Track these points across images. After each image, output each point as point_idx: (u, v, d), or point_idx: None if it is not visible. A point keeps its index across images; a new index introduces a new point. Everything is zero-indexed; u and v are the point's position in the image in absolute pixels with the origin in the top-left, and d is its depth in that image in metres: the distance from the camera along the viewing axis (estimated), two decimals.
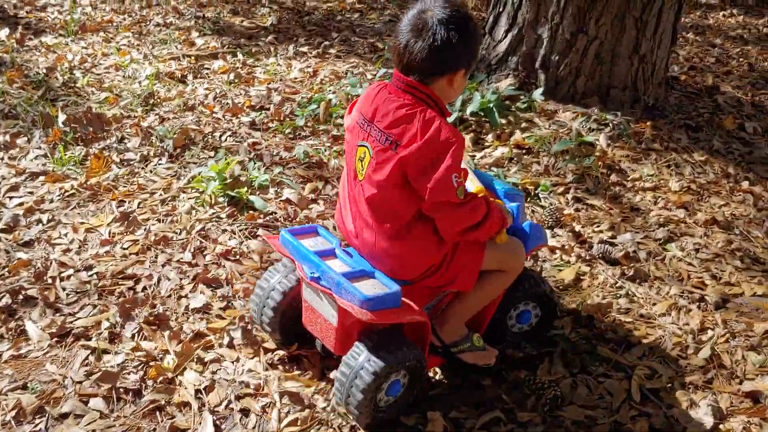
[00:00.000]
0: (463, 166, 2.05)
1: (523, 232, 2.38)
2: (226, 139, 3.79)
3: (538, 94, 4.12)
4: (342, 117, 4.00)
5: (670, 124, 4.18)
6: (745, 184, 3.71)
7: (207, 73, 4.69)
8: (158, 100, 4.24)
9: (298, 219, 3.12)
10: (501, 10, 4.34)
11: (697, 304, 2.83)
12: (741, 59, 5.64)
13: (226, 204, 3.16)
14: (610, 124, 3.98)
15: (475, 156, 3.75)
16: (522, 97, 4.14)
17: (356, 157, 2.10)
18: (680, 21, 4.28)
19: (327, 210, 3.22)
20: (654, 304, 2.81)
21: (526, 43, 4.20)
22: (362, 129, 2.08)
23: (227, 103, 4.20)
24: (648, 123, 4.08)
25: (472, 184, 2.24)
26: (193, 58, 4.91)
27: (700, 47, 5.85)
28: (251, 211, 3.12)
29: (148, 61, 4.83)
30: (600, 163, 3.70)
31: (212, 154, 3.62)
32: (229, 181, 3.22)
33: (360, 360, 2.04)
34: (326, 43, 5.31)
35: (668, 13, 4.09)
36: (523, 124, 3.99)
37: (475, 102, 3.96)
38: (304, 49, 5.18)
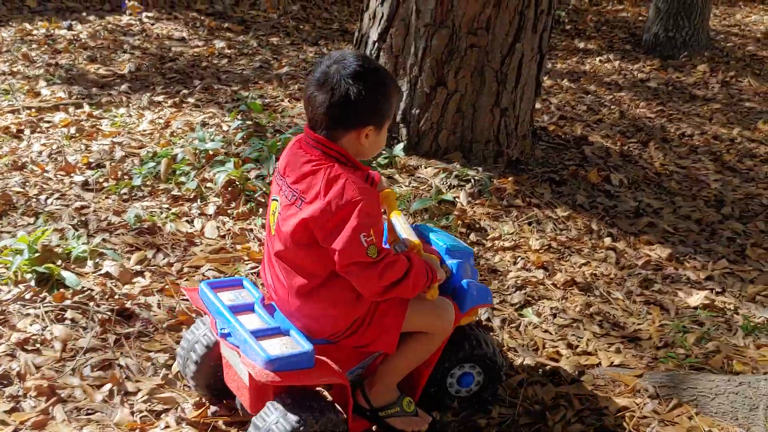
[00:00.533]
0: (397, 219, 2.07)
1: (461, 290, 2.26)
2: (51, 203, 3.42)
3: (399, 149, 3.93)
4: (186, 174, 3.69)
5: (534, 178, 4.06)
6: (608, 240, 3.60)
7: (46, 127, 4.30)
8: None
9: (115, 296, 2.78)
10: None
11: (550, 378, 2.64)
12: (613, 106, 5.64)
13: (33, 281, 2.79)
14: (472, 180, 3.82)
15: None
16: (383, 152, 3.94)
17: (270, 211, 2.08)
18: (542, 72, 4.20)
19: (154, 283, 2.90)
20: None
21: None
22: (277, 183, 2.06)
23: (61, 161, 3.82)
24: (510, 178, 3.94)
25: (409, 239, 2.15)
26: (34, 110, 4.51)
27: (573, 94, 5.84)
28: (62, 290, 2.76)
29: None
30: (459, 221, 3.51)
31: (32, 220, 3.25)
32: (39, 254, 2.85)
33: (269, 421, 1.94)
34: (185, 91, 5.01)
35: (529, 66, 4.00)
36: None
37: None
38: (160, 98, 4.86)
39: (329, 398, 2.23)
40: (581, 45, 7.56)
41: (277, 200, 2.04)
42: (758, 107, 6.09)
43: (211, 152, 3.87)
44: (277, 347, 1.98)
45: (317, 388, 2.19)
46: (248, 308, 2.15)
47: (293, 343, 2.01)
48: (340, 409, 2.11)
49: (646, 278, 3.34)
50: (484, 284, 2.49)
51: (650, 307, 3.14)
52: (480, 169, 3.91)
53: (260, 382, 1.93)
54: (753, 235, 3.85)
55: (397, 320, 2.10)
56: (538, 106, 5.04)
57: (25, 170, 3.74)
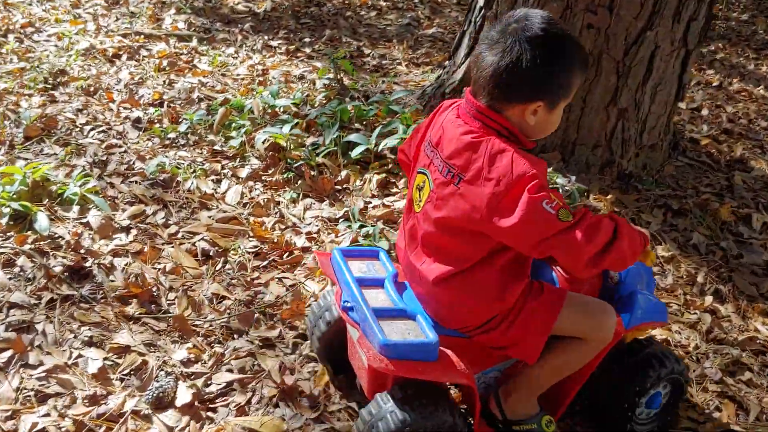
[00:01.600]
0: None
1: (629, 301, 1.96)
2: (91, 135, 3.25)
3: None
4: (242, 128, 3.35)
5: (645, 201, 3.26)
6: (710, 299, 2.77)
7: (143, 56, 4.16)
8: (67, 79, 3.75)
9: (81, 251, 2.52)
10: (465, 29, 3.55)
11: None
12: None
13: (6, 217, 2.61)
14: (559, 190, 3.12)
15: (371, 202, 3.02)
16: None
17: (414, 185, 1.82)
18: (688, 71, 3.33)
19: (134, 242, 2.61)
20: None
21: None
22: (426, 155, 1.79)
23: (135, 93, 3.65)
24: (611, 195, 3.19)
25: None
26: (143, 36, 4.40)
27: (747, 102, 4.74)
28: (29, 232, 2.55)
29: (91, 34, 4.37)
30: None
31: (60, 150, 3.09)
32: (27, 189, 2.66)
33: (382, 410, 1.74)
34: (308, 39, 4.67)
35: (667, 61, 3.17)
36: None
37: (395, 138, 3.22)
38: (276, 42, 4.56)
39: (455, 398, 1.98)
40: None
41: (426, 174, 1.77)
42: None
43: (279, 109, 3.50)
44: (398, 332, 1.76)
45: (446, 385, 1.91)
46: (378, 283, 1.93)
47: (418, 330, 1.78)
48: (464, 412, 1.88)
49: (738, 361, 2.52)
50: (660, 299, 2.11)
51: (724, 402, 2.35)
52: (574, 177, 3.19)
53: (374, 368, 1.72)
54: None
55: (547, 323, 1.78)
56: (686, 111, 4.14)
57: (93, 96, 3.61)
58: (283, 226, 2.81)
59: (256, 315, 2.36)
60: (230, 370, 2.15)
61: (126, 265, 2.50)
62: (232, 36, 4.61)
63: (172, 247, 2.63)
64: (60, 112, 3.37)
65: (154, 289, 2.41)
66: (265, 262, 2.61)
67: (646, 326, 2.00)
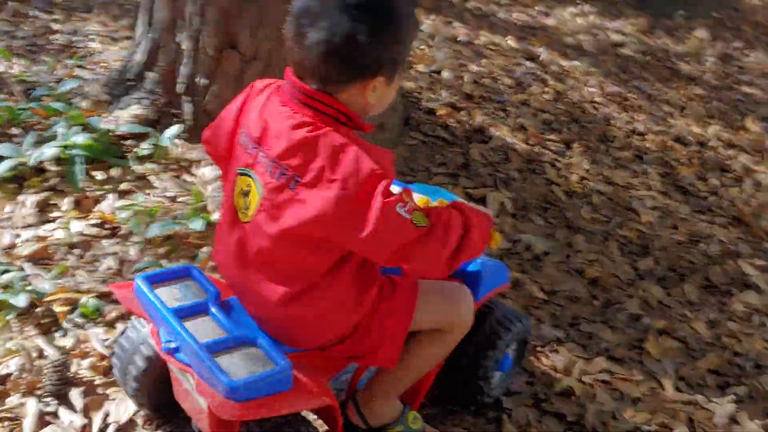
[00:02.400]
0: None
1: (472, 274, 1.82)
2: None
3: (169, 135, 2.72)
4: None
5: None
6: None
7: None
8: None
9: None
10: None
11: None
12: (554, 81, 4.28)
13: None
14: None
15: (20, 234, 2.35)
16: (153, 138, 2.73)
17: (236, 190, 1.51)
18: None
19: None
20: None
21: (163, 52, 2.78)
22: (247, 152, 1.48)
23: None
24: None
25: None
26: None
27: (508, 59, 4.47)
28: None
29: None
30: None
31: None
32: None
33: None
34: None
35: None
36: (127, 185, 2.59)
37: (53, 145, 2.55)
38: None
39: (312, 418, 1.74)
40: None
41: (250, 176, 1.48)
42: (758, 94, 4.71)
43: None
44: (242, 366, 1.49)
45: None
46: (200, 309, 1.61)
47: (263, 358, 1.52)
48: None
49: None
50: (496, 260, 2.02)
51: None
52: None
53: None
54: (668, 312, 2.63)
55: (403, 324, 1.62)
56: (424, 76, 3.77)
57: None
58: None
59: None
60: None
61: None
62: None
63: None
64: None
65: None
66: None
67: (491, 295, 1.90)
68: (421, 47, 4.24)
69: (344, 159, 1.37)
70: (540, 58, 4.48)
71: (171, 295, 1.63)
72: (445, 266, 1.51)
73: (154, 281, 1.64)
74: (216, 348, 1.50)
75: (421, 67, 3.91)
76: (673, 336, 2.52)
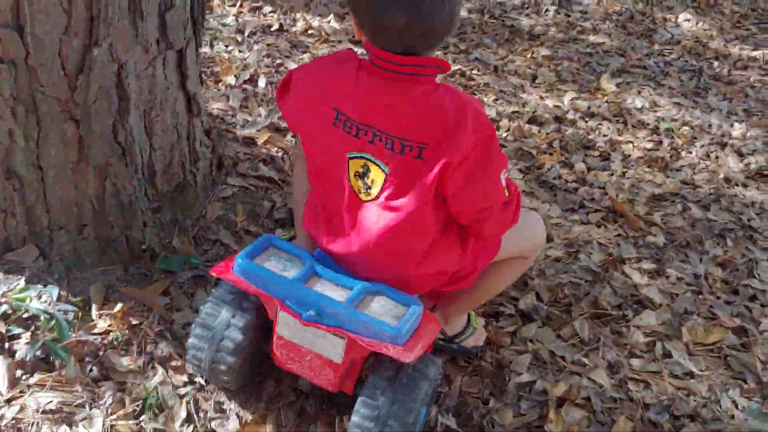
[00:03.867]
0: None
1: None
2: None
3: None
4: None
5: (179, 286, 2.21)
6: None
7: None
8: None
9: None
10: None
11: None
12: None
13: None
14: (40, 317, 1.94)
15: None
16: None
17: (350, 172, 1.57)
18: (192, 76, 2.24)
19: None
20: None
21: None
22: (347, 133, 1.53)
23: None
24: (120, 305, 2.07)
25: None
26: None
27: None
28: None
29: None
30: None
31: None
32: None
33: (383, 408, 1.60)
34: None
35: (151, 76, 2.04)
36: None
37: None
38: None
39: None
40: None
41: (365, 158, 1.53)
42: (606, 42, 4.36)
43: None
44: (387, 314, 1.62)
45: None
46: (310, 274, 1.68)
47: (392, 302, 1.66)
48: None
49: None
50: None
51: None
52: (55, 290, 2.02)
53: (355, 357, 1.67)
54: (563, 365, 2.21)
55: (489, 260, 1.81)
56: (234, 93, 3.13)
57: None
58: None
59: None
60: None
61: None
62: None
63: None
64: None
65: None
66: None
67: None
68: (228, 48, 3.56)
69: (468, 115, 1.47)
70: None
71: (275, 267, 1.68)
72: (500, 234, 1.72)
73: (252, 258, 1.68)
74: (355, 303, 1.61)
75: (230, 79, 3.25)
76: (575, 402, 2.10)
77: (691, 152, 3.42)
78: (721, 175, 3.25)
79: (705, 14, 4.84)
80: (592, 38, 4.34)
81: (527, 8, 4.67)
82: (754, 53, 4.41)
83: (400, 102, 1.49)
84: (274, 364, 1.80)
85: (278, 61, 3.53)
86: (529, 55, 4.06)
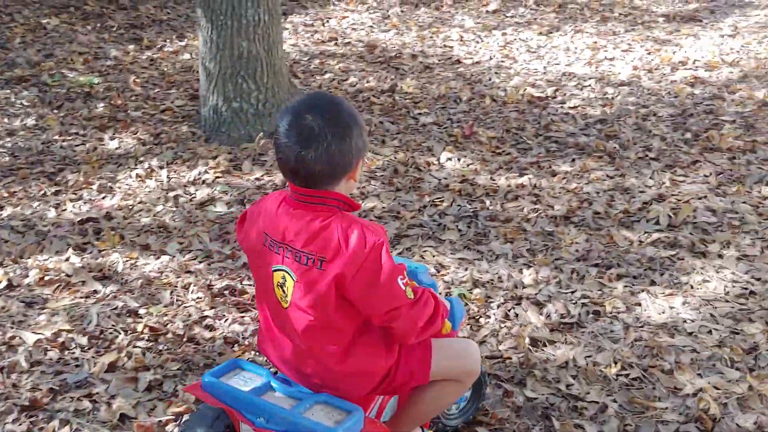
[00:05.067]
0: None
1: (450, 308, 2.32)
2: None
3: None
4: None
5: None
6: None
7: None
8: None
9: None
10: None
11: None
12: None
13: None
14: None
15: None
16: None
17: (274, 284, 1.92)
18: None
19: None
20: None
21: None
22: (272, 251, 1.91)
23: None
24: None
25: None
26: None
27: None
28: None
29: None
30: None
31: None
32: None
33: None
34: None
35: None
36: None
37: None
38: None
39: None
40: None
41: (284, 270, 1.89)
42: (378, 208, 4.15)
43: None
44: (326, 418, 1.87)
45: None
46: (266, 388, 1.98)
47: (336, 409, 1.91)
48: None
49: None
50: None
51: None
52: None
53: None
54: None
55: (426, 350, 2.06)
56: None
57: None
58: None
59: None
60: None
61: None
62: None
63: None
64: None
65: None
66: None
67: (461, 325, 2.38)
68: None
69: (351, 235, 1.80)
70: None
71: (238, 383, 1.97)
72: (418, 333, 1.94)
73: (217, 377, 1.97)
74: (301, 410, 1.87)
75: None
76: None
77: (489, 317, 3.20)
78: (527, 339, 3.05)
79: (464, 148, 4.83)
80: (363, 204, 4.12)
81: None
82: (521, 180, 4.40)
83: (304, 225, 1.83)
84: None
85: (9, 335, 2.93)
86: None
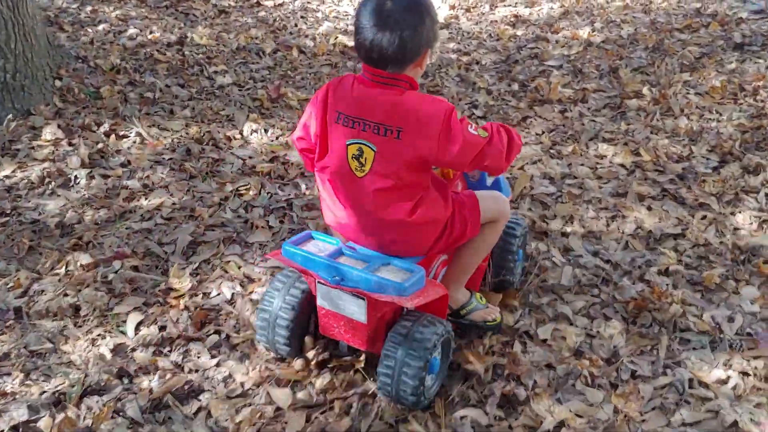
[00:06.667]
0: None
1: (496, 183, 2.65)
2: None
3: None
4: None
5: None
6: None
7: None
8: None
9: None
10: None
11: None
12: None
13: None
14: None
15: None
16: None
17: (348, 156, 2.14)
18: None
19: None
20: None
21: None
22: (347, 126, 2.12)
23: None
24: None
25: None
26: None
27: None
28: None
29: None
30: None
31: None
32: None
33: (399, 354, 2.15)
34: None
35: None
36: None
37: None
38: None
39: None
40: None
41: (360, 142, 2.10)
42: None
43: None
44: (395, 276, 2.14)
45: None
46: (338, 254, 2.25)
47: (401, 270, 2.18)
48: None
49: None
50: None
51: None
52: None
53: (377, 317, 2.21)
54: None
55: (475, 204, 2.34)
56: None
57: None
58: None
59: None
60: None
61: None
62: None
63: None
64: None
65: None
66: None
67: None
68: None
69: (424, 107, 2.06)
70: None
71: (313, 250, 2.23)
72: (506, 160, 2.19)
73: (295, 245, 2.25)
74: (371, 269, 2.15)
75: None
76: None
77: None
78: None
79: (272, 114, 4.12)
80: (146, 202, 3.33)
81: None
82: None
83: (380, 100, 2.08)
84: (320, 334, 2.37)
85: None
86: None
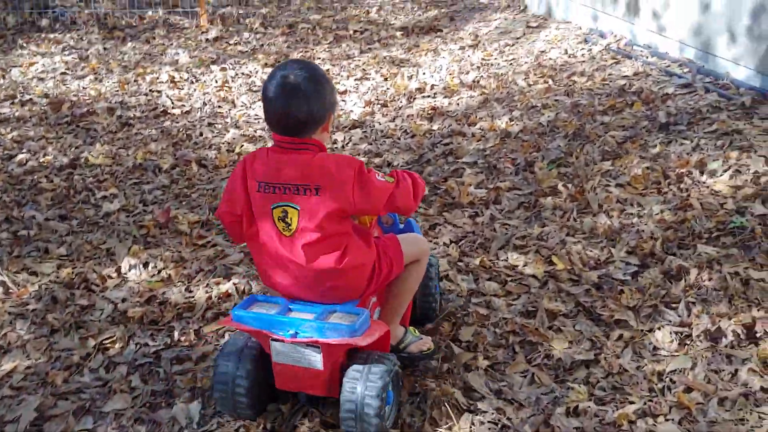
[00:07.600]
0: None
1: (408, 226, 2.86)
2: None
3: None
4: None
5: None
6: None
7: None
8: None
9: None
10: None
11: None
12: None
13: None
14: None
15: None
16: None
17: (274, 219, 2.34)
18: None
19: None
20: None
21: None
22: (269, 193, 2.33)
23: None
24: None
25: None
26: None
27: None
28: None
29: None
30: None
31: None
32: None
33: (359, 390, 2.32)
34: None
35: None
36: None
37: None
38: None
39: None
40: None
41: (283, 205, 2.31)
42: None
43: None
44: (344, 320, 2.34)
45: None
46: (286, 310, 2.41)
47: (348, 314, 2.37)
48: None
49: None
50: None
51: None
52: None
53: (331, 362, 2.35)
54: None
55: (397, 246, 2.58)
56: None
57: None
58: None
59: None
60: None
61: None
62: None
63: None
64: None
65: None
66: None
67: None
68: None
69: (338, 165, 2.30)
70: None
71: (262, 311, 2.39)
72: (414, 199, 2.46)
73: (244, 309, 2.39)
74: (321, 318, 2.33)
75: None
76: None
77: None
78: None
79: (157, 243, 3.78)
80: None
81: None
82: (226, 286, 3.43)
83: (296, 164, 2.30)
84: (276, 389, 2.49)
85: None
86: None
